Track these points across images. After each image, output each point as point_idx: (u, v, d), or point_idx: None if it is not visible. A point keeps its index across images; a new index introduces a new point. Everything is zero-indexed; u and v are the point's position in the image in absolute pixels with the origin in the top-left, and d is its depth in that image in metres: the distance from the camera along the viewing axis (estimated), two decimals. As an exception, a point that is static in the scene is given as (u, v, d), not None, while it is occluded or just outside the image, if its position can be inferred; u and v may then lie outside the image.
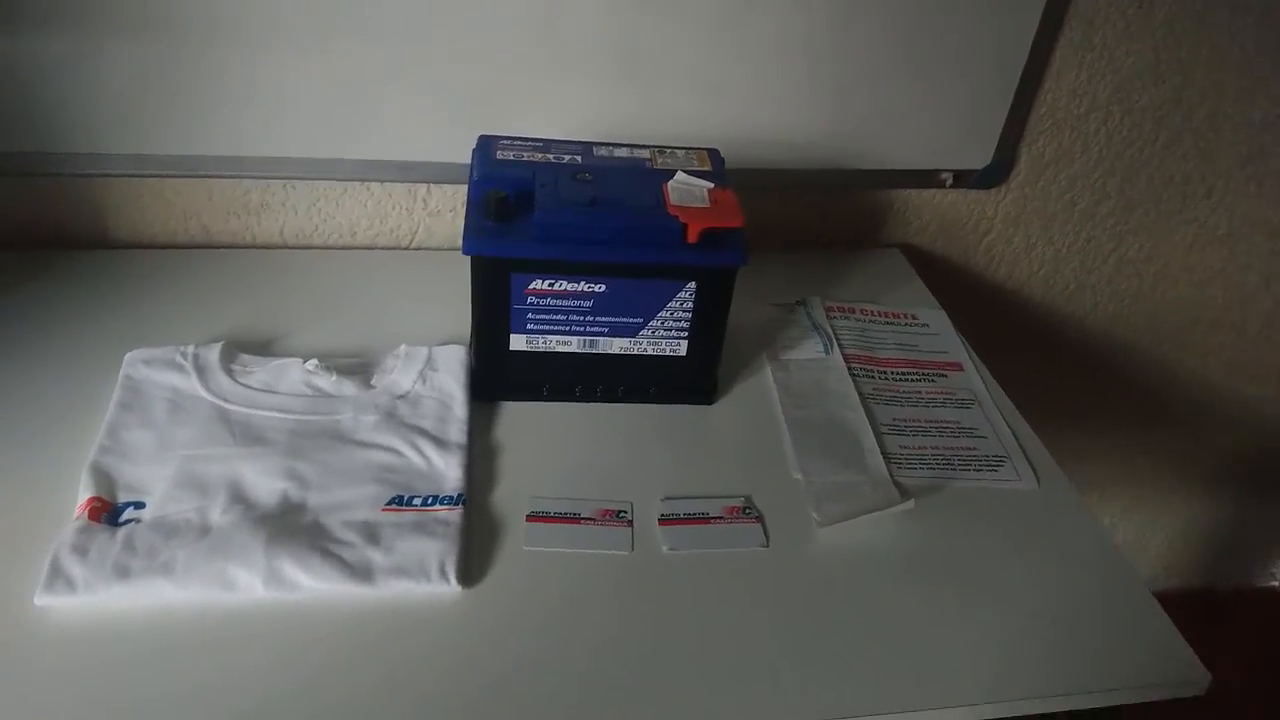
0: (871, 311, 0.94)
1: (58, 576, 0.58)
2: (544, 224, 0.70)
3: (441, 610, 0.62)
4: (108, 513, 0.63)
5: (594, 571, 0.65)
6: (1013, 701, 0.60)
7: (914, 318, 0.94)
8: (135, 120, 0.85)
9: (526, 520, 0.68)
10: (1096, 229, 1.15)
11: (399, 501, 0.67)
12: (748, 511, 0.70)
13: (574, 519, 0.68)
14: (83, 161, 0.87)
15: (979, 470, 0.77)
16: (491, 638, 0.60)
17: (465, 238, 0.70)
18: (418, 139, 0.91)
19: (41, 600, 0.58)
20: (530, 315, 0.74)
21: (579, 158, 0.77)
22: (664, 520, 0.69)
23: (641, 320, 0.75)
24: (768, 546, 0.68)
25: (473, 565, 0.64)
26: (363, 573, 0.61)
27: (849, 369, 0.85)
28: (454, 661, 0.59)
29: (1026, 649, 0.63)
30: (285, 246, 0.96)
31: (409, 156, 0.91)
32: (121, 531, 0.62)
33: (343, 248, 0.97)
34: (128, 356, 0.75)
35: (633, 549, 0.67)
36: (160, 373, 0.74)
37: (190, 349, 0.76)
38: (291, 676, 0.57)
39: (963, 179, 1.05)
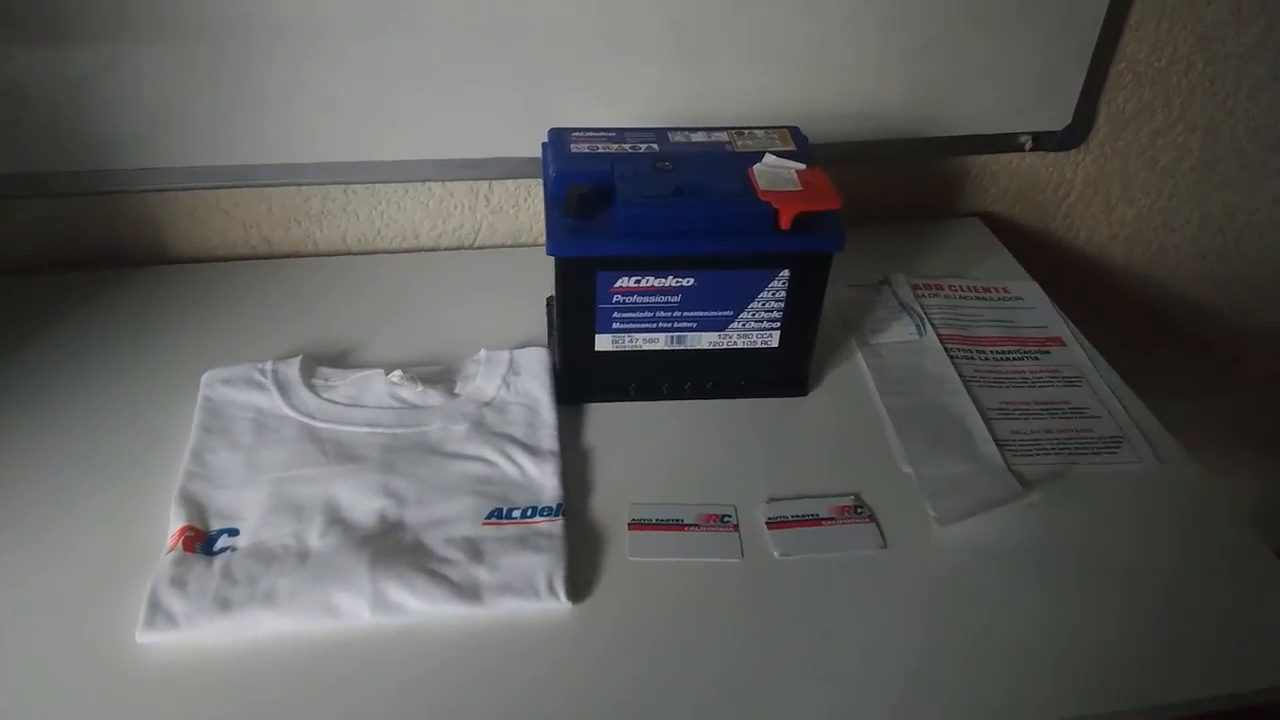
0: (961, 287, 0.90)
1: (158, 611, 0.56)
2: (629, 218, 0.67)
3: (554, 628, 0.59)
4: (202, 542, 0.61)
5: (705, 581, 0.62)
6: (1175, 705, 0.56)
7: (1006, 291, 0.90)
8: (185, 131, 0.83)
9: (629, 528, 0.65)
10: (1179, 186, 1.09)
11: (498, 515, 0.64)
12: (859, 510, 0.67)
13: (678, 525, 0.65)
14: (137, 177, 0.84)
15: (1097, 453, 0.73)
16: (607, 656, 0.58)
17: (549, 239, 0.67)
18: (477, 135, 0.87)
19: (143, 638, 0.56)
20: (616, 314, 0.71)
21: (656, 145, 0.73)
22: (772, 524, 0.65)
23: (731, 313, 0.72)
24: (885, 548, 0.65)
25: (579, 579, 0.62)
26: (470, 592, 0.59)
27: (946, 350, 0.81)
28: (571, 682, 0.56)
29: (1173, 644, 0.59)
30: (349, 253, 0.94)
31: (469, 154, 0.88)
32: (218, 561, 0.60)
33: (406, 250, 0.94)
34: (205, 377, 0.73)
35: (743, 555, 0.64)
36: (240, 392, 0.72)
37: (269, 365, 0.74)
38: (405, 707, 0.54)
39: (1042, 141, 1.00)
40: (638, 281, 0.69)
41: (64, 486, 0.66)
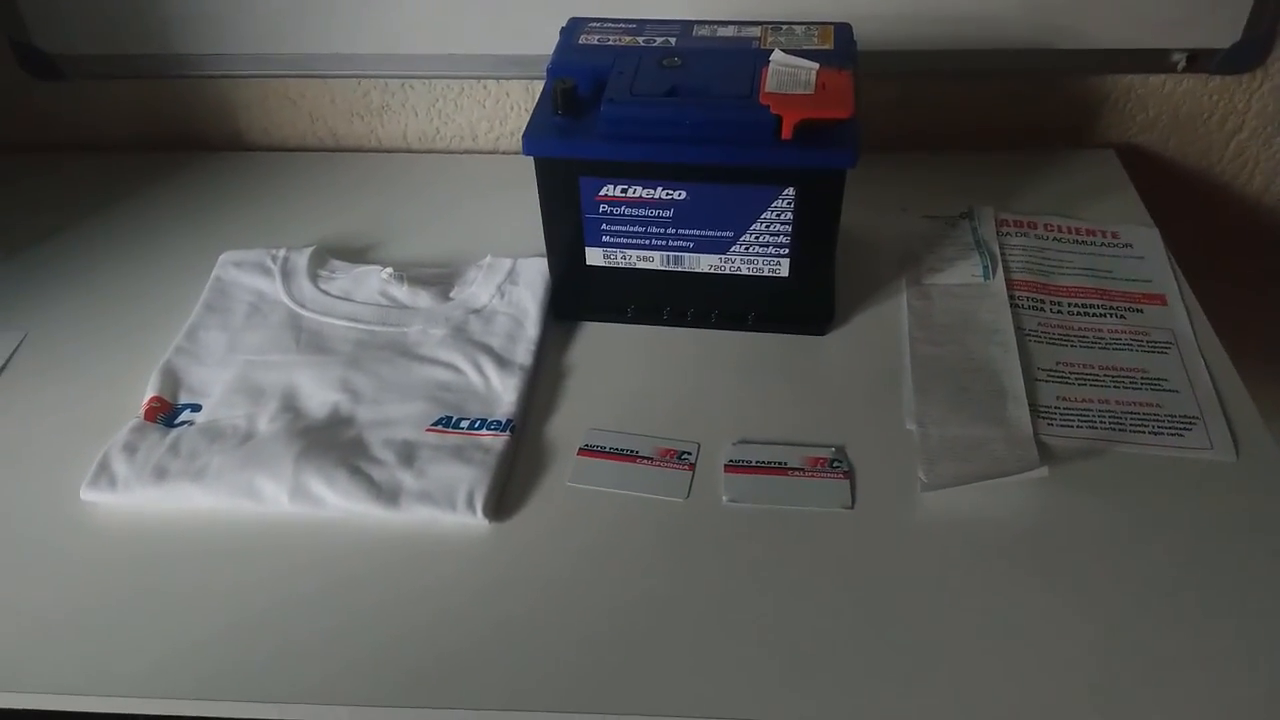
0: (1058, 227, 0.77)
1: (103, 473, 0.59)
2: (611, 118, 0.61)
3: (467, 543, 0.56)
4: (165, 414, 0.63)
5: (639, 517, 0.57)
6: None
7: (1115, 236, 0.76)
8: (253, 16, 0.84)
9: (577, 454, 0.61)
10: (1401, 125, 0.87)
11: (445, 423, 0.62)
12: (835, 464, 0.59)
13: (630, 456, 0.60)
14: (208, 62, 0.87)
15: (1156, 433, 0.60)
16: (513, 577, 0.55)
17: (525, 135, 0.62)
18: (533, 29, 0.82)
19: (86, 495, 0.59)
20: (605, 226, 0.65)
21: (673, 39, 0.66)
22: (731, 467, 0.59)
23: (732, 234, 0.64)
24: (852, 508, 0.57)
25: (511, 498, 0.58)
26: (389, 495, 0.57)
27: (1011, 297, 0.69)
28: (469, 596, 0.54)
29: (1152, 683, 0.48)
30: (409, 150, 0.93)
31: (525, 50, 0.84)
32: (173, 433, 0.62)
33: (465, 152, 0.93)
34: (221, 258, 0.75)
35: (688, 496, 0.58)
36: (248, 275, 0.73)
37: (281, 252, 0.75)
38: (307, 586, 0.54)
39: (1201, 61, 0.82)
40: (624, 191, 0.63)
41: (88, 339, 0.71)
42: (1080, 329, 0.67)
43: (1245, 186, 0.91)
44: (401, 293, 0.71)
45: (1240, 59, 0.82)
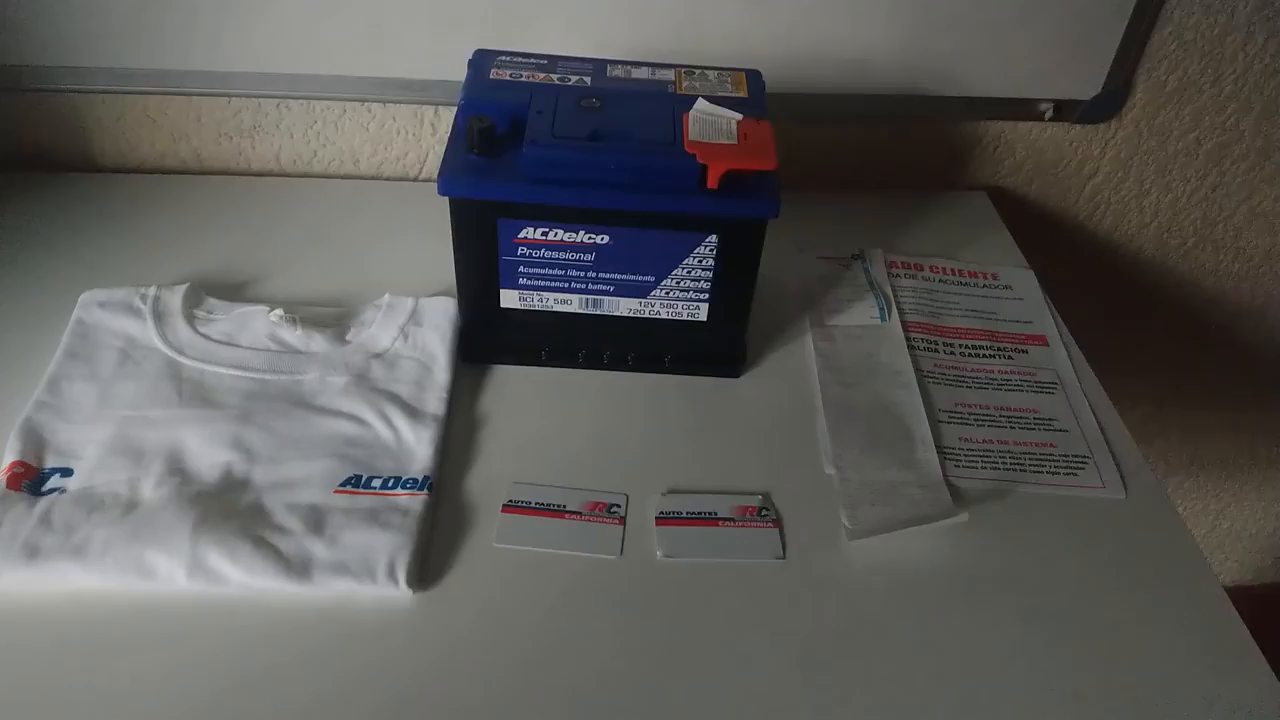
0: (943, 269, 0.80)
1: (-42, 555, 0.52)
2: (533, 160, 0.58)
3: (390, 617, 0.53)
4: (30, 480, 0.56)
5: (573, 577, 0.55)
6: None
7: (994, 278, 0.80)
8: (113, 29, 0.76)
9: (502, 511, 0.58)
10: (1226, 174, 0.97)
11: (355, 482, 0.58)
12: (764, 514, 0.59)
13: (557, 512, 0.58)
14: (61, 75, 0.78)
15: (1054, 473, 0.64)
16: (446, 651, 0.52)
17: (440, 174, 0.59)
18: (423, 53, 0.79)
19: (-59, 580, 0.51)
20: (522, 268, 0.63)
21: (588, 79, 0.65)
22: (662, 519, 0.58)
23: (653, 278, 0.64)
24: (784, 558, 0.57)
25: (433, 563, 0.55)
26: (300, 568, 0.53)
27: (908, 339, 0.72)
28: (400, 678, 0.50)
29: (1102, 702, 0.51)
30: (283, 174, 0.87)
31: (413, 74, 0.81)
32: (42, 503, 0.55)
33: (344, 176, 0.88)
34: (83, 297, 0.68)
35: (621, 553, 0.57)
36: (115, 317, 0.66)
37: (151, 291, 0.68)
38: (209, 676, 0.49)
39: (1065, 110, 0.88)
40: (545, 234, 0.61)
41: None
42: (973, 370, 0.71)
43: (1096, 228, 0.99)
44: (293, 336, 0.66)
45: (1100, 109, 0.88)
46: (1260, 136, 0.94)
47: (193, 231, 0.77)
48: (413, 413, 0.62)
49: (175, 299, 0.68)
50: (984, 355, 0.72)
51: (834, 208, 0.85)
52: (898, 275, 0.79)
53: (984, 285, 0.79)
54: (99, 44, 0.77)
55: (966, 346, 0.73)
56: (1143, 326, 1.08)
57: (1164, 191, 0.97)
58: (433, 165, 0.87)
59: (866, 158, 0.90)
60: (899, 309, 0.75)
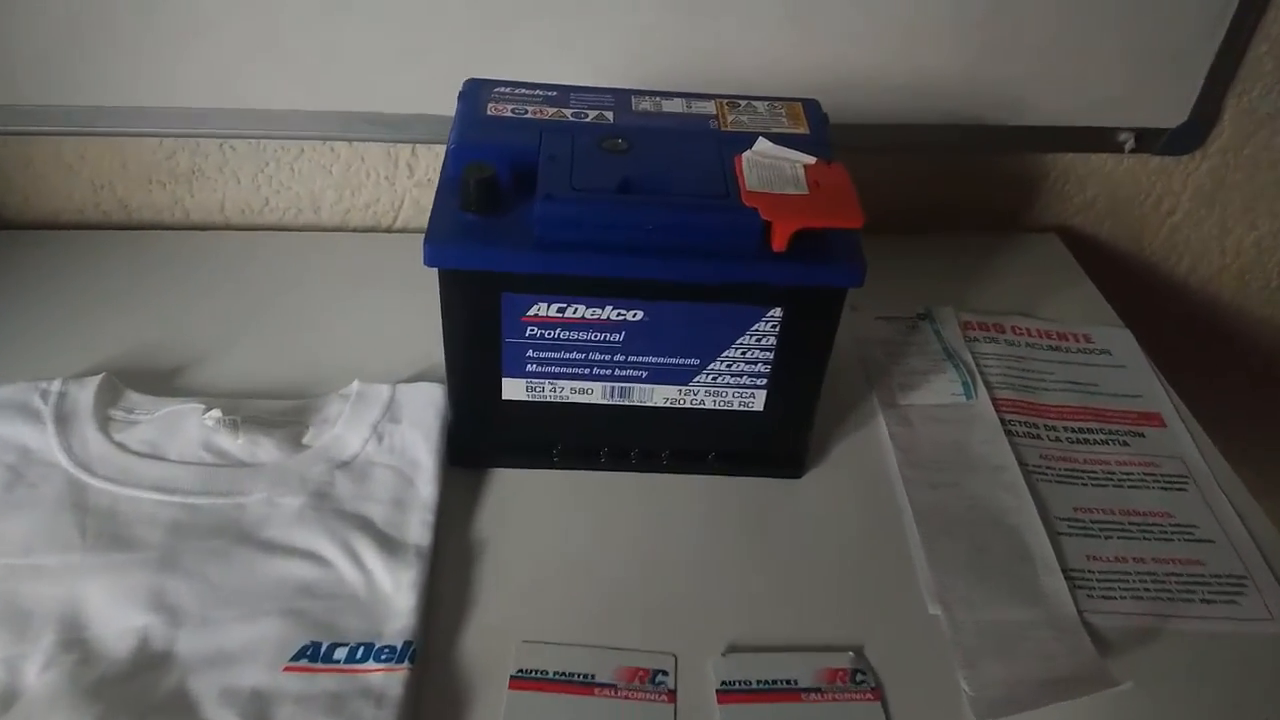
0: (1027, 330, 0.67)
1: None
2: (549, 220, 0.45)
3: None
4: None
5: (612, 782, 0.41)
6: None
7: (1087, 340, 0.67)
8: (14, 56, 0.62)
9: (510, 687, 0.44)
10: (1316, 210, 0.85)
11: (313, 654, 0.43)
12: (860, 679, 0.45)
13: (584, 685, 0.44)
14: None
15: (1207, 600, 0.50)
16: None
17: (428, 241, 0.45)
18: (394, 82, 0.66)
19: None
20: (532, 353, 0.49)
21: (610, 114, 0.51)
22: (725, 694, 0.44)
23: (698, 362, 0.50)
24: (891, 743, 0.43)
25: (422, 766, 0.41)
26: (239, 793, 0.38)
27: (1003, 422, 0.59)
28: None
29: None
30: (228, 226, 0.73)
31: (386, 107, 0.67)
32: (-120, 702, 0.40)
33: (303, 228, 0.73)
34: (-39, 397, 0.53)
35: (675, 744, 0.43)
36: (7, 423, 0.51)
37: (55, 385, 0.53)
38: None
39: (1147, 140, 0.76)
40: (561, 311, 0.48)
41: None
42: (1085, 461, 0.58)
43: (1170, 271, 0.86)
44: (234, 444, 0.51)
45: (1184, 140, 0.76)
46: (1358, 166, 0.82)
47: (114, 301, 0.63)
48: (389, 544, 0.48)
49: (86, 395, 0.53)
50: (1094, 441, 0.59)
51: (886, 255, 0.70)
52: (975, 339, 0.66)
53: (1078, 350, 0.66)
54: (-4, 74, 0.63)
55: (1072, 430, 0.59)
56: (1225, 392, 0.96)
57: (1248, 229, 0.85)
58: (409, 212, 0.73)
59: (921, 197, 0.77)
60: (985, 382, 0.62)
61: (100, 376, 0.54)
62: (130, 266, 0.66)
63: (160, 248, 0.68)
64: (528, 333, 0.48)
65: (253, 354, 0.60)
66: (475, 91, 0.52)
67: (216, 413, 0.51)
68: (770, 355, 0.50)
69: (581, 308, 0.47)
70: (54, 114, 0.65)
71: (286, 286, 0.65)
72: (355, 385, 0.55)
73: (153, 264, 0.67)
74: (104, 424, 0.52)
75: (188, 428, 0.52)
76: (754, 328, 0.49)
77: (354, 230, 0.73)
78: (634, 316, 0.48)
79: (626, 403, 0.52)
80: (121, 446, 0.51)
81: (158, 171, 0.69)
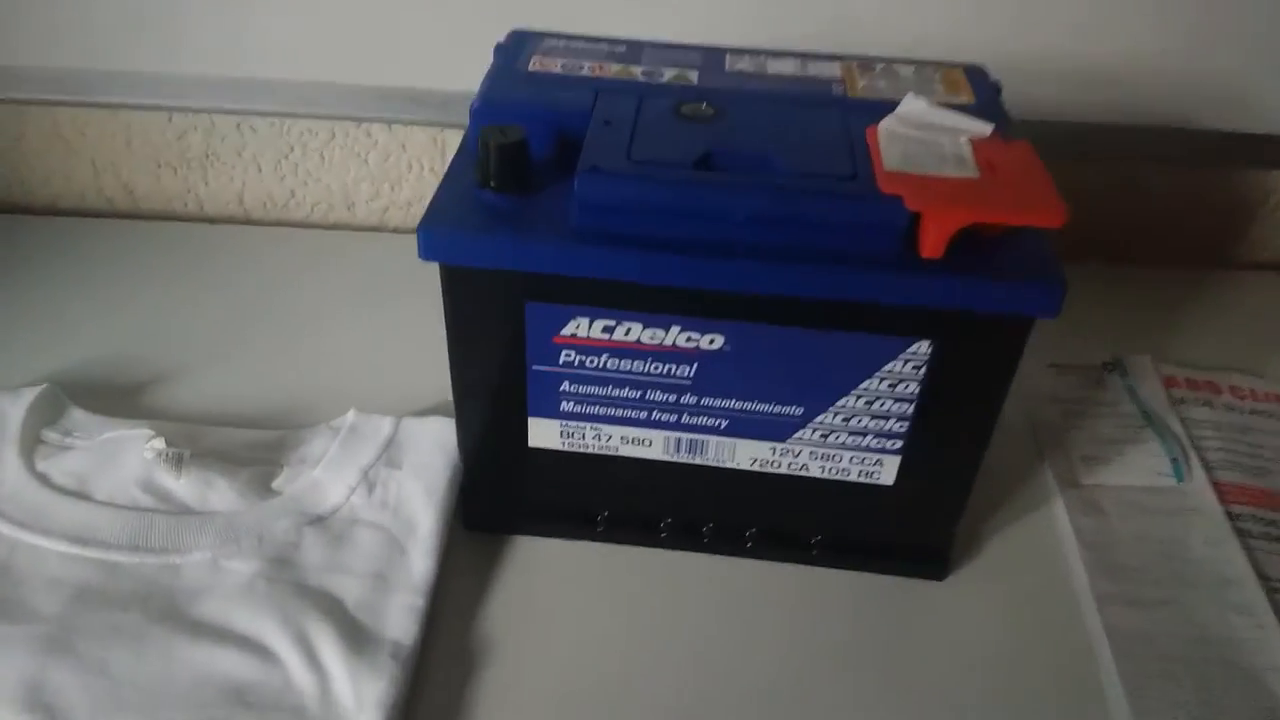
0: (1250, 392, 0.50)
1: None
2: (593, 201, 0.31)
3: None
4: None
5: None
6: None
7: (1334, 410, 0.49)
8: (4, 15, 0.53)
9: None
10: None
11: (227, 801, 0.30)
12: None
13: None
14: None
15: None
16: None
17: (424, 223, 0.32)
18: (447, 55, 0.54)
19: None
20: (567, 386, 0.36)
21: (694, 73, 0.38)
22: None
23: (801, 411, 0.35)
24: None
25: None
26: None
27: (1229, 516, 0.42)
28: None
29: None
30: (248, 221, 0.62)
31: (432, 82, 0.55)
32: None
33: (333, 226, 0.62)
34: None
35: None
36: (-92, 440, 0.41)
37: (-15, 397, 0.43)
38: None
39: None
40: (608, 330, 0.34)
41: None
42: (1348, 578, 0.40)
43: None
44: (177, 483, 0.39)
45: None
46: None
47: (95, 299, 0.54)
48: (359, 638, 0.34)
49: (16, 411, 0.42)
50: (1361, 552, 0.42)
51: (1073, 290, 0.56)
52: (1183, 400, 0.49)
53: (1322, 422, 0.49)
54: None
55: (1328, 535, 0.42)
56: None
57: None
58: (459, 213, 0.61)
59: (1107, 216, 0.61)
60: (1201, 460, 0.45)
61: (41, 388, 0.43)
62: (125, 260, 0.56)
63: (167, 240, 0.58)
64: (562, 358, 0.35)
65: (240, 371, 0.48)
66: (517, 44, 0.40)
67: (159, 442, 0.39)
68: (909, 408, 0.35)
69: (637, 327, 0.34)
70: (47, 76, 0.56)
71: (299, 293, 0.54)
72: (350, 415, 0.43)
73: (151, 259, 0.57)
74: (29, 448, 0.41)
75: (127, 460, 0.40)
76: (888, 367, 0.34)
77: (392, 231, 0.62)
78: (711, 344, 0.34)
79: (698, 461, 0.37)
80: (42, 479, 0.39)
81: (167, 153, 0.59)
